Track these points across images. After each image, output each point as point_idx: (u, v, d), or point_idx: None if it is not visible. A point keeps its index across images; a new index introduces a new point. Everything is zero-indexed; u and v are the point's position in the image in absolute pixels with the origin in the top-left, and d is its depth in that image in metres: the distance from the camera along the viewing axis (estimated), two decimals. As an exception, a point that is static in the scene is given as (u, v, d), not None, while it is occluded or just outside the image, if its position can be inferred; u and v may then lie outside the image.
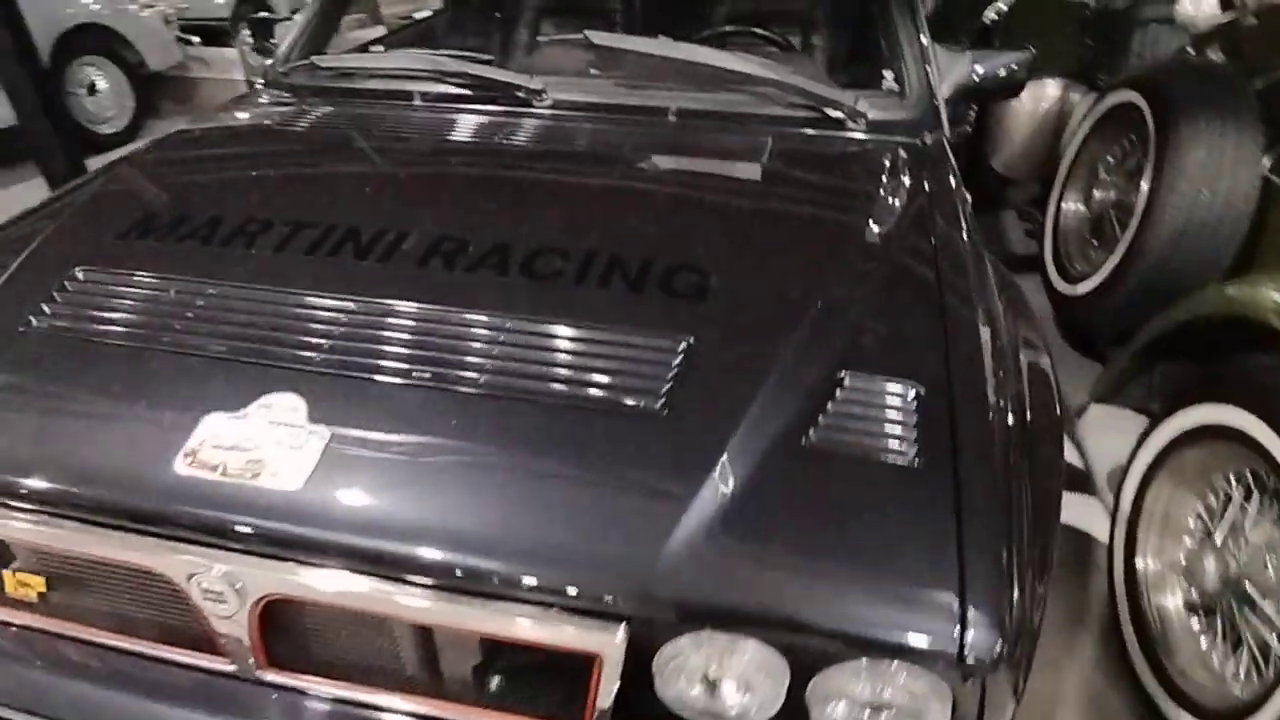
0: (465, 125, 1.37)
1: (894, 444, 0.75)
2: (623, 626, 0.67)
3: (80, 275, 0.97)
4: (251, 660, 0.78)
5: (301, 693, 0.79)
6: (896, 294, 0.96)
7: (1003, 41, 3.16)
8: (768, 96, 1.41)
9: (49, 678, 0.83)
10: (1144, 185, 1.89)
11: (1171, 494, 1.43)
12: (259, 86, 1.61)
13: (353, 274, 0.94)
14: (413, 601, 0.70)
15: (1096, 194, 2.29)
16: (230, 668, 0.80)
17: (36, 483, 0.75)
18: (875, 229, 1.09)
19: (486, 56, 1.55)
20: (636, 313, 0.87)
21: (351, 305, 0.89)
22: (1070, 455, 2.00)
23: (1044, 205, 2.99)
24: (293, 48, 1.69)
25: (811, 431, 0.76)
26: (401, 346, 0.84)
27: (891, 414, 0.78)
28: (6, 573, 0.84)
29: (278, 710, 0.79)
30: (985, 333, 0.93)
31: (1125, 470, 1.51)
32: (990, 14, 3.36)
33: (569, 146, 1.28)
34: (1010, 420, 0.83)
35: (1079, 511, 1.82)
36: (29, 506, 0.76)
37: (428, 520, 0.70)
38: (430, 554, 0.68)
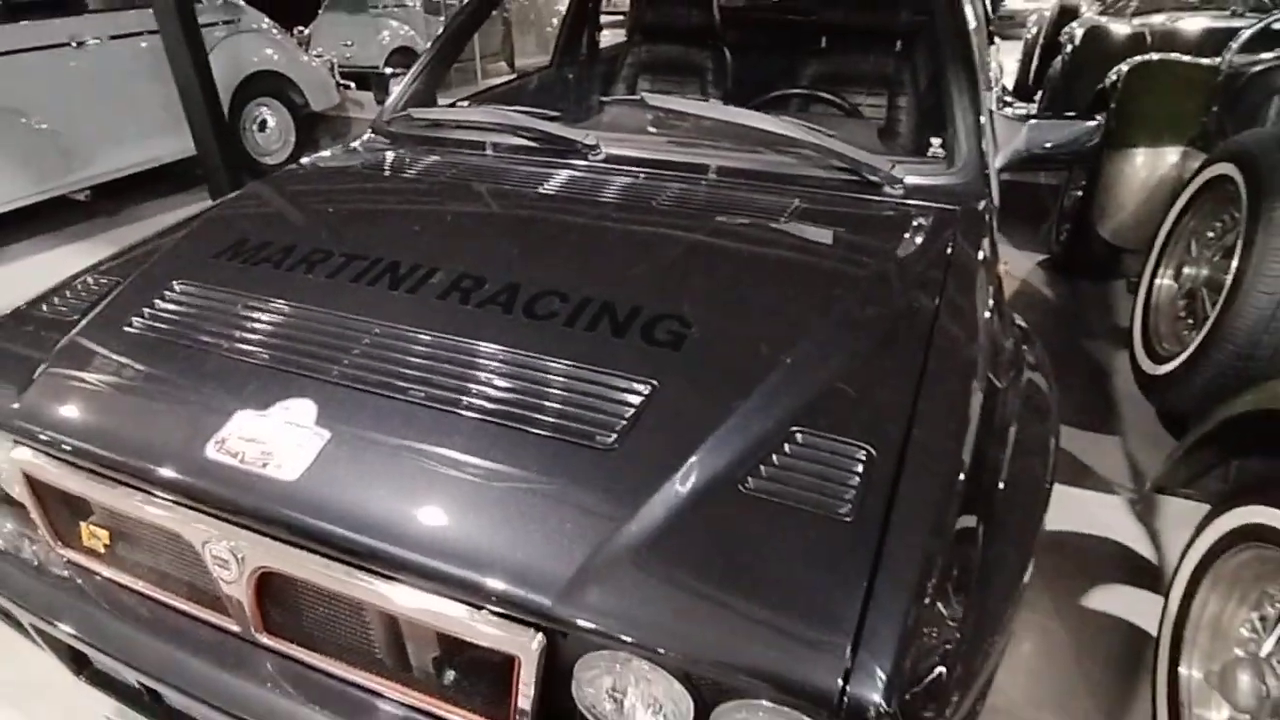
0: (521, 175, 1.51)
1: (828, 498, 0.78)
2: (539, 634, 0.74)
3: (177, 287, 1.17)
4: (250, 624, 0.91)
5: (291, 659, 0.91)
6: (877, 357, 0.98)
7: (1119, 104, 3.02)
8: (807, 158, 1.46)
9: (105, 616, 1.00)
10: (1234, 263, 1.75)
11: (1224, 599, 1.32)
12: (368, 136, 1.85)
13: (382, 301, 1.08)
14: (369, 587, 0.80)
15: (1188, 270, 2.13)
16: (235, 628, 0.93)
17: (108, 451, 0.92)
18: (874, 293, 1.11)
19: (554, 113, 1.70)
20: (612, 355, 0.95)
21: (374, 328, 1.02)
22: (1142, 546, 1.85)
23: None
24: (398, 101, 1.92)
25: (750, 479, 0.80)
26: (406, 367, 0.96)
27: (834, 471, 0.81)
28: (84, 524, 1.03)
29: (272, 671, 0.91)
30: (968, 403, 0.93)
31: (1176, 568, 1.40)
32: (1111, 76, 3.22)
33: (606, 197, 1.39)
34: (969, 488, 0.83)
35: (1136, 607, 1.69)
36: (101, 471, 0.94)
37: (389, 517, 0.80)
38: (385, 547, 0.78)
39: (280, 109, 4.89)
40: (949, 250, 1.24)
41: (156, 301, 1.15)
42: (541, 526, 0.78)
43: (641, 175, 1.49)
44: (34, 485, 1.01)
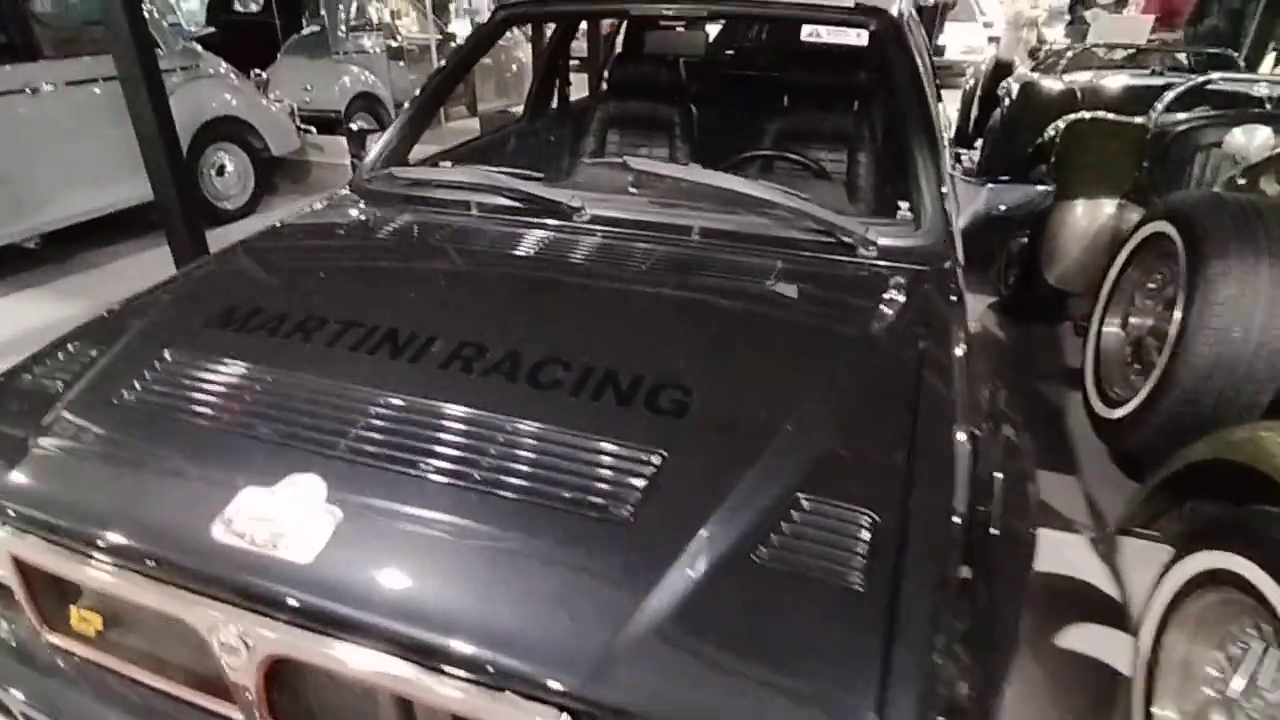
0: (509, 236, 1.54)
1: (838, 567, 0.81)
2: (565, 715, 0.75)
3: (168, 357, 1.16)
4: (257, 712, 0.89)
5: None
6: (869, 418, 1.03)
7: (1058, 158, 3.22)
8: (785, 220, 1.53)
9: (95, 705, 0.97)
10: (1177, 315, 1.88)
11: (1191, 639, 1.39)
12: (345, 193, 1.86)
13: (385, 371, 1.09)
14: (387, 671, 0.79)
15: (1134, 319, 2.27)
16: (239, 716, 0.91)
17: (103, 533, 0.90)
18: (861, 354, 1.16)
19: (538, 175, 1.74)
20: (620, 426, 0.98)
21: (379, 400, 1.03)
22: (1106, 585, 1.94)
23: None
24: (376, 159, 1.94)
25: (762, 548, 0.83)
26: (414, 440, 0.97)
27: (840, 539, 0.84)
28: (73, 608, 1.00)
29: None
30: (957, 459, 0.98)
31: (1143, 610, 1.47)
32: (1049, 131, 3.43)
33: (596, 260, 1.43)
34: (965, 540, 0.88)
35: (1107, 646, 1.76)
36: (95, 553, 0.91)
37: (407, 599, 0.81)
38: (405, 630, 0.78)
39: (239, 154, 4.84)
40: (924, 310, 1.31)
41: (147, 372, 1.13)
42: (563, 605, 0.79)
43: (626, 236, 1.54)
44: (21, 568, 0.98)
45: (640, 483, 0.90)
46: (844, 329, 1.26)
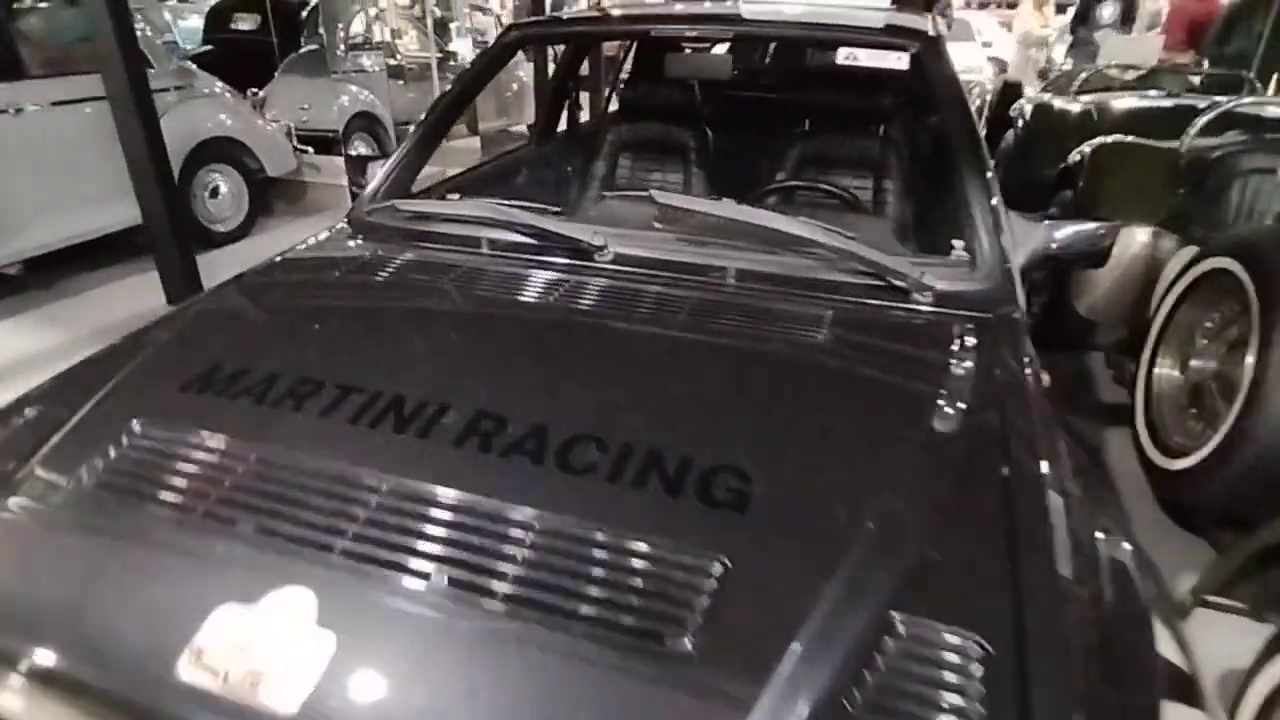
0: (524, 279, 1.39)
1: (954, 706, 0.66)
2: None
3: (136, 429, 1.00)
4: None
5: None
6: (959, 509, 0.88)
7: (1086, 184, 3.10)
8: (828, 261, 1.39)
9: None
10: (1249, 360, 1.74)
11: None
12: (343, 226, 1.71)
13: (390, 449, 0.93)
14: None
15: (1194, 362, 2.13)
16: None
17: (46, 654, 0.74)
18: (937, 425, 1.01)
19: (555, 208, 1.60)
20: (672, 523, 0.82)
21: (383, 487, 0.87)
22: (1173, 655, 1.77)
23: (1132, 352, 2.82)
24: (378, 190, 1.80)
25: (855, 691, 0.68)
26: (425, 541, 0.81)
27: (948, 675, 0.69)
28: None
29: None
30: (1066, 550, 0.83)
31: (1242, 689, 1.32)
32: (1074, 156, 3.31)
33: (623, 308, 1.28)
34: (1093, 661, 0.73)
35: (1182, 726, 1.59)
36: (32, 679, 0.75)
37: None
38: None
39: (234, 175, 4.70)
40: (995, 367, 1.17)
41: (111, 448, 0.97)
42: None
43: (654, 279, 1.39)
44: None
45: (702, 601, 0.74)
46: (909, 393, 1.11)
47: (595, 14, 2.18)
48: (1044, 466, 0.96)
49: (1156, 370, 2.24)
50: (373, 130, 6.06)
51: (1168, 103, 4.41)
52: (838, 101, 2.54)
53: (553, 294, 1.33)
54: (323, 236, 1.68)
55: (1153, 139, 3.20)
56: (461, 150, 5.92)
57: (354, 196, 1.95)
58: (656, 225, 1.56)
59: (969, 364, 1.16)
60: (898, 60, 1.70)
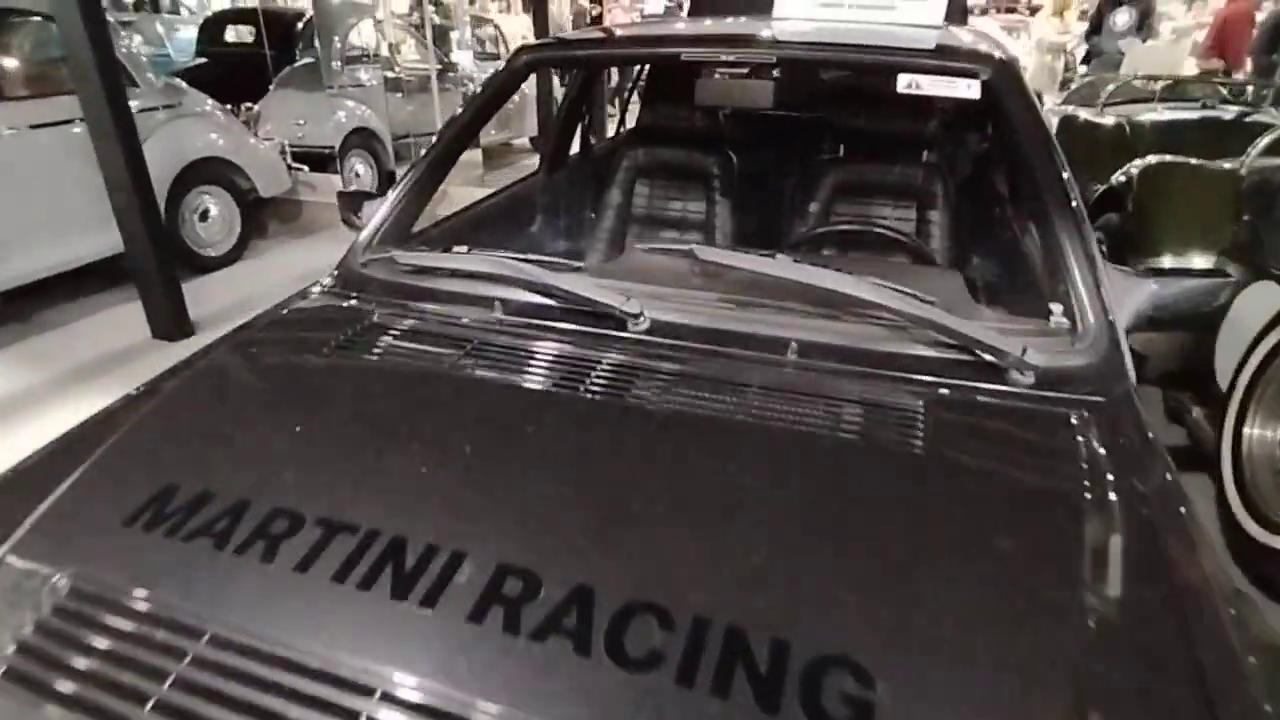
0: (548, 359, 1.17)
1: None
2: None
3: (63, 586, 0.78)
4: None
5: None
6: (1149, 700, 0.66)
7: (1136, 209, 2.88)
8: (905, 329, 1.18)
9: None
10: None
11: None
12: (331, 281, 1.49)
13: (383, 627, 0.71)
14: None
15: None
16: None
17: None
18: (1095, 578, 0.79)
19: (577, 263, 1.38)
20: None
21: (376, 694, 0.65)
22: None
23: (1192, 390, 2.61)
24: (374, 237, 1.58)
25: None
26: None
27: None
28: None
29: None
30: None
31: None
32: (1119, 176, 3.11)
33: (670, 401, 1.06)
34: None
35: None
36: None
37: None
38: None
39: (225, 197, 4.49)
40: (1134, 476, 0.95)
41: (29, 618, 0.75)
42: None
43: (701, 354, 1.17)
44: None
45: None
46: (1045, 526, 0.87)
47: (617, 35, 1.97)
48: (1205, 590, 0.78)
49: (1248, 429, 2.02)
50: (370, 147, 5.85)
51: (1207, 116, 4.21)
52: (877, 121, 2.33)
53: (582, 380, 1.11)
54: (312, 294, 1.46)
55: (1197, 157, 3.00)
56: (463, 164, 5.71)
57: (343, 211, 1.74)
58: (695, 282, 1.35)
59: (1102, 473, 0.95)
60: (967, 89, 1.48)
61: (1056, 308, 1.23)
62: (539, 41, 1.98)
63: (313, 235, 5.11)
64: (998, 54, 1.53)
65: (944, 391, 1.08)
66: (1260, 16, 5.78)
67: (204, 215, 4.41)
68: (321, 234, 5.08)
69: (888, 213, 2.30)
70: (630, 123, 2.85)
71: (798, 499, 0.89)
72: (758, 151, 2.61)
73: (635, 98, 2.94)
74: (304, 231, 5.20)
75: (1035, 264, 1.58)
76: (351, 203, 1.75)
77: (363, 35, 6.39)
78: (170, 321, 3.55)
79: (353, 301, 1.41)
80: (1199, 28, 10.41)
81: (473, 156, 6.94)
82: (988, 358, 1.12)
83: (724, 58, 1.61)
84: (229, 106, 4.99)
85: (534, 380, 1.12)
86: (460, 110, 1.81)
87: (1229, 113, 4.44)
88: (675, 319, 1.24)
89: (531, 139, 7.11)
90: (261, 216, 4.96)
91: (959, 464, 0.97)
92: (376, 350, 1.22)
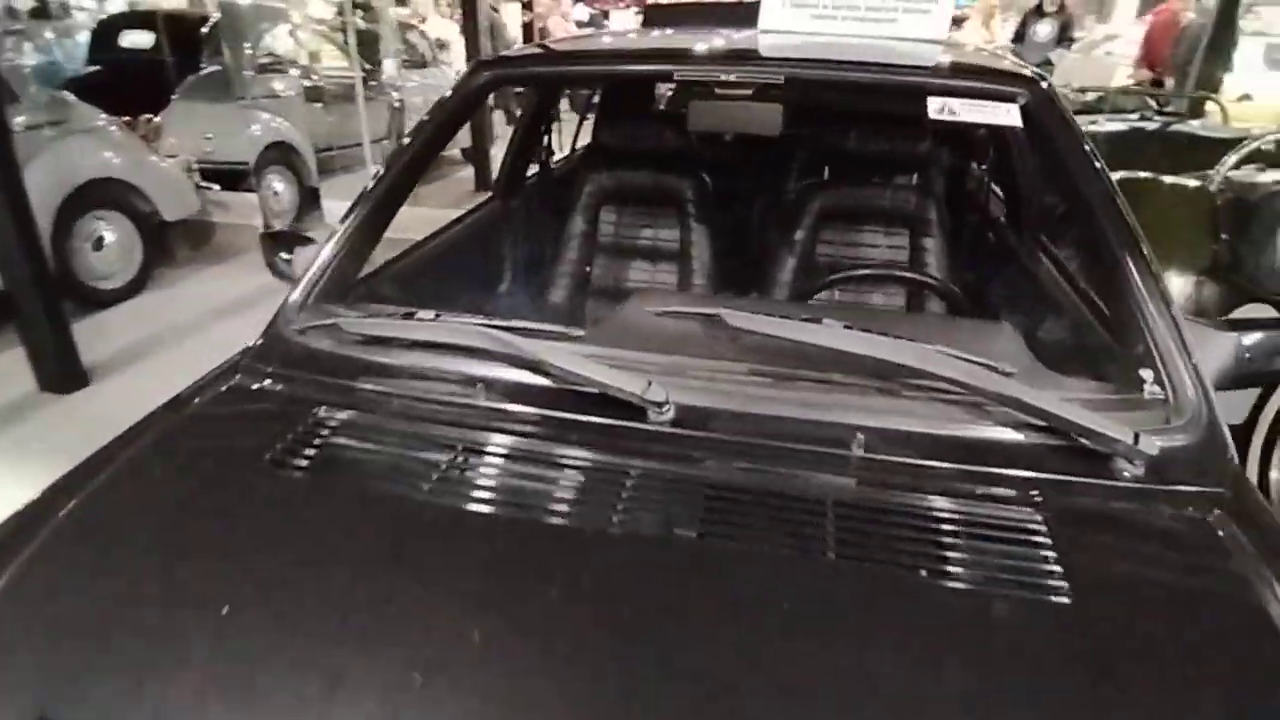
0: (553, 473, 0.91)
1: None
2: None
3: None
4: None
5: None
6: None
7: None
8: (982, 409, 0.98)
9: None
10: None
11: None
12: (260, 354, 1.18)
13: None
14: None
15: None
16: None
17: None
18: None
19: (574, 331, 1.13)
20: None
21: None
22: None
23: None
24: (311, 291, 1.28)
25: None
26: None
27: None
28: None
29: None
30: None
31: None
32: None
33: (722, 536, 0.81)
34: None
35: None
36: None
37: None
38: None
39: (123, 221, 4.00)
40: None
41: None
42: None
43: (746, 457, 0.94)
44: None
45: None
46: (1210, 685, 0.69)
47: (591, 48, 1.72)
48: None
49: (1275, 474, 1.93)
50: (290, 162, 5.38)
51: (1150, 127, 4.27)
52: (864, 141, 2.15)
53: (597, 504, 0.85)
54: (235, 377, 1.15)
55: (1152, 171, 2.98)
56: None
57: (268, 258, 1.44)
58: (719, 353, 1.11)
59: (1255, 587, 0.77)
60: (1007, 114, 1.30)
61: (1147, 374, 1.05)
62: (500, 55, 1.72)
63: (227, 260, 4.64)
64: (1034, 75, 1.36)
65: (1057, 498, 0.89)
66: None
67: (99, 244, 3.91)
68: (237, 259, 4.62)
69: (879, 240, 2.13)
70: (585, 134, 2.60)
71: (909, 677, 0.66)
72: (732, 172, 2.40)
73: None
74: (217, 256, 4.71)
75: (1083, 314, 1.42)
76: (280, 246, 1.45)
77: (278, 41, 5.91)
78: (59, 371, 3.08)
79: (289, 386, 1.11)
80: (1107, 39, 10.94)
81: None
82: (1088, 442, 0.93)
83: (726, 77, 1.38)
84: (125, 119, 4.49)
85: (543, 511, 0.86)
86: (409, 136, 1.52)
87: (1155, 123, 4.55)
88: (705, 403, 1.00)
89: (464, 150, 6.75)
90: (168, 242, 4.46)
91: (1121, 614, 0.76)
92: (327, 468, 0.93)
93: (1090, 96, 5.35)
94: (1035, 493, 0.89)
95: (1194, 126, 4.52)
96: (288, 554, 0.82)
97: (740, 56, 1.49)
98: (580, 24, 12.01)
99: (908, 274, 1.86)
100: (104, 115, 4.05)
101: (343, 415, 1.02)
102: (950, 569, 0.77)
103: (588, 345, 1.10)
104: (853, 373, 1.01)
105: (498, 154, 6.09)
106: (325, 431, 0.99)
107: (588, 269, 2.24)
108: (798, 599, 0.75)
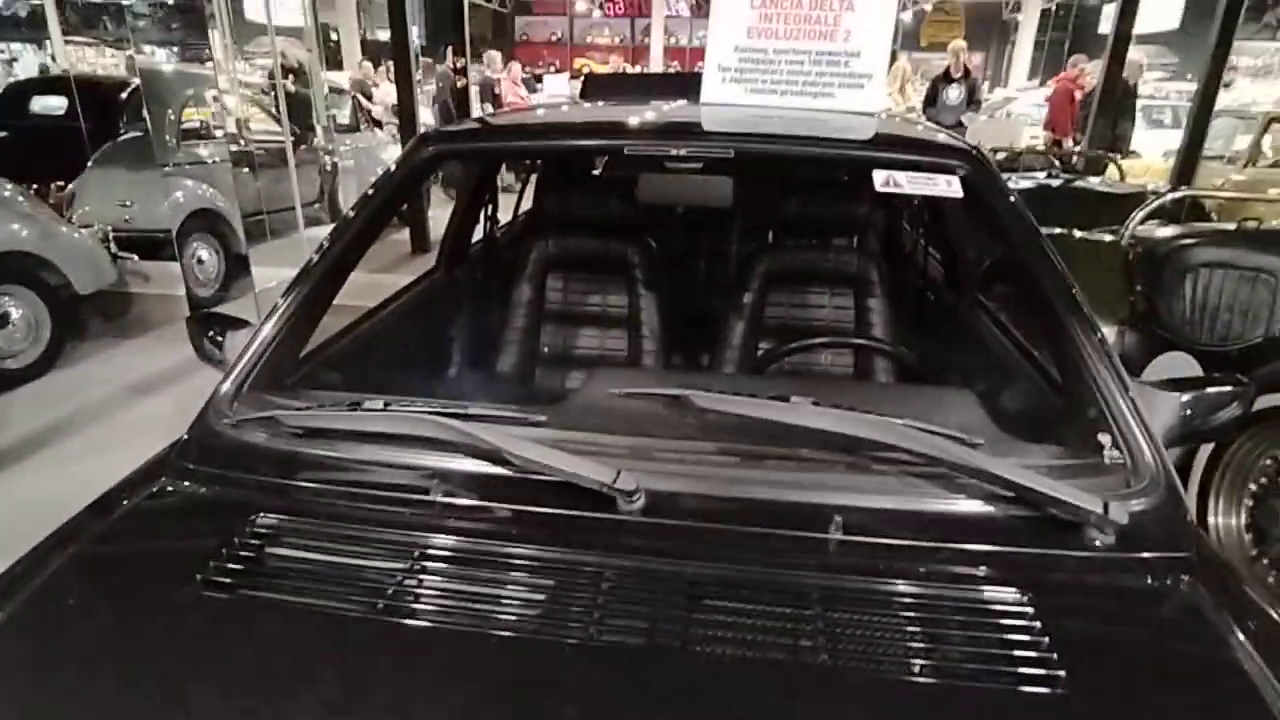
0: (520, 577, 0.84)
1: None
2: None
3: None
4: None
5: None
6: None
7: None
8: (952, 481, 0.97)
9: None
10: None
11: None
12: (187, 449, 1.08)
13: None
14: None
15: (1261, 510, 1.88)
16: None
17: None
18: None
19: (536, 415, 1.07)
20: None
21: None
22: None
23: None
24: (244, 380, 1.19)
25: None
26: None
27: None
28: None
29: None
30: None
31: None
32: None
33: (707, 640, 0.76)
34: None
35: None
36: None
37: None
38: None
39: (29, 296, 3.74)
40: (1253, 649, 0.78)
41: None
42: None
43: (723, 546, 0.90)
44: None
45: None
46: None
47: (538, 122, 1.71)
48: None
49: (1212, 520, 2.00)
50: (215, 229, 5.19)
51: (1056, 184, 4.56)
52: (807, 206, 2.20)
53: (575, 613, 0.79)
54: (157, 480, 1.04)
55: (1063, 227, 3.17)
56: (317, 239, 5.16)
57: (195, 343, 1.34)
58: (683, 431, 1.07)
59: (1234, 655, 0.77)
60: (948, 186, 1.35)
61: (1105, 438, 1.06)
62: (443, 130, 1.69)
63: (144, 334, 4.39)
64: (969, 147, 1.42)
65: (1038, 574, 0.87)
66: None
67: (3, 320, 3.64)
68: (154, 332, 4.38)
69: (825, 301, 2.17)
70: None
71: None
72: (677, 236, 2.42)
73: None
74: (134, 330, 4.45)
75: (1032, 375, 1.46)
76: (209, 329, 1.36)
77: (205, 106, 5.77)
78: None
79: (222, 489, 1.01)
80: (1008, 101, 11.83)
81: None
82: (1056, 512, 0.93)
83: (675, 151, 1.39)
84: (34, 187, 4.26)
85: (516, 625, 0.79)
86: (353, 209, 1.47)
87: (1059, 180, 4.88)
88: (676, 488, 0.96)
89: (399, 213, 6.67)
90: (80, 316, 4.20)
91: (1118, 695, 0.74)
92: (267, 585, 0.84)
93: (1001, 156, 5.71)
94: (1017, 569, 0.88)
95: (1094, 183, 4.87)
96: (227, 696, 0.72)
97: (686, 131, 1.50)
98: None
99: (865, 342, 1.89)
100: (10, 184, 3.83)
101: (283, 521, 0.93)
102: (948, 663, 0.74)
103: (549, 429, 1.05)
104: (823, 448, 1.00)
105: (435, 214, 6.07)
106: (263, 542, 0.90)
107: (537, 337, 2.20)
108: (797, 715, 0.70)
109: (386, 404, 1.07)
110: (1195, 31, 6.75)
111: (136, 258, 4.56)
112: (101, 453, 2.96)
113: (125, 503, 1.01)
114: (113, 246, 4.36)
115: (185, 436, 1.12)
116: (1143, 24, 7.33)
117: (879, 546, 0.89)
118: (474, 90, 8.24)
